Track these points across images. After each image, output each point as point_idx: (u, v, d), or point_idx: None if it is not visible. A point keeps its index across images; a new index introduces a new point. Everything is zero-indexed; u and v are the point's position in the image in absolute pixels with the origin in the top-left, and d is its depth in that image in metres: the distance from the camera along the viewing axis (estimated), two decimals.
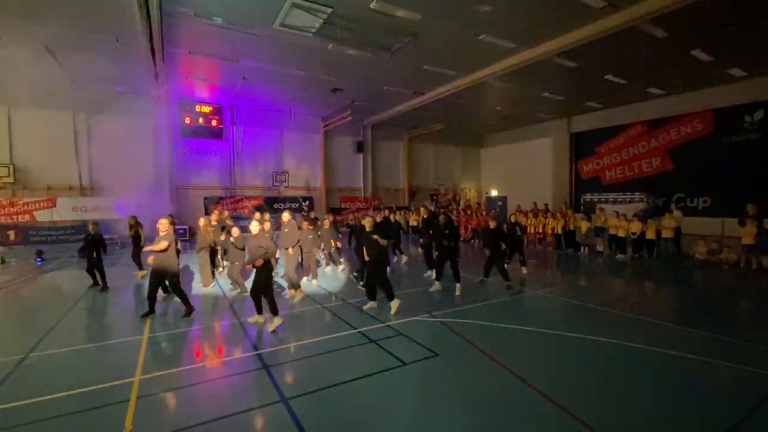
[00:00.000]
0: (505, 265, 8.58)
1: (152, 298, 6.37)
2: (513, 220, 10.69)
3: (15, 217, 14.37)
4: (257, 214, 8.45)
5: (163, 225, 6.38)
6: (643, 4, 8.62)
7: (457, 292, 7.68)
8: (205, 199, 17.52)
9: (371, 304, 6.76)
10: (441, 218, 8.47)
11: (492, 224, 8.82)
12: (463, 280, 7.91)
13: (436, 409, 3.56)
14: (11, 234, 14.16)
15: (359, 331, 5.60)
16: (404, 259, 11.51)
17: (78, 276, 10.28)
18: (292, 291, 7.56)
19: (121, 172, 15.56)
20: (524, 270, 9.82)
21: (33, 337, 5.48)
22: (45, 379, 4.25)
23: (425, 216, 10.99)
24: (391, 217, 12.63)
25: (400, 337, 5.34)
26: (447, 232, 7.98)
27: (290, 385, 4.01)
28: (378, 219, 8.69)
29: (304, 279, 8.63)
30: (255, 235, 6.06)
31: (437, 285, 8.02)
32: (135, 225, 9.73)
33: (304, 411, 3.49)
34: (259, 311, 6.04)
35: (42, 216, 14.72)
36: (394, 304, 6.48)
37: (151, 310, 6.37)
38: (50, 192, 14.93)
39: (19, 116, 14.44)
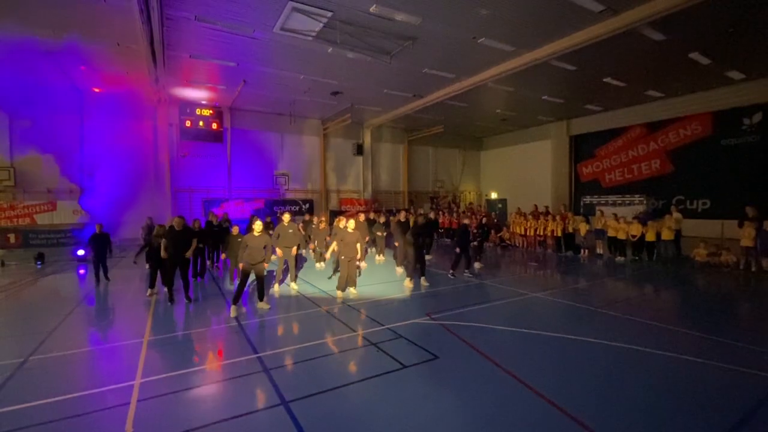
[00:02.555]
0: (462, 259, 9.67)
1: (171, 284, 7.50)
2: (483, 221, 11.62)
3: (15, 220, 14.39)
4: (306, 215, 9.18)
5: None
6: (642, 7, 8.67)
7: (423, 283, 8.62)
8: (204, 201, 17.54)
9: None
10: (419, 219, 9.48)
11: (466, 221, 10.10)
12: (458, 283, 7.94)
13: (436, 412, 3.57)
14: (11, 237, 14.18)
15: (359, 334, 5.61)
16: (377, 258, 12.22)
17: (78, 279, 10.30)
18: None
19: (121, 175, 15.63)
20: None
21: (33, 340, 5.49)
22: (45, 382, 4.25)
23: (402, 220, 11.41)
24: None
25: (400, 340, 5.34)
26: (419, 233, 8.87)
27: (290, 388, 4.01)
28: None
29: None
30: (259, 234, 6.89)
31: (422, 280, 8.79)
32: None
33: (304, 414, 3.50)
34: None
35: (42, 219, 14.74)
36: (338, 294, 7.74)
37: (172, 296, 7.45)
38: (50, 195, 14.95)
39: (20, 119, 14.46)
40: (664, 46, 10.69)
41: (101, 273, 9.29)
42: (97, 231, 9.25)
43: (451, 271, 9.55)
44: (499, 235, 16.27)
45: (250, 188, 18.92)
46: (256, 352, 4.96)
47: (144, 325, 6.11)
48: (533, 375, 4.21)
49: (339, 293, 7.68)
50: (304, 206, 19.59)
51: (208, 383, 4.22)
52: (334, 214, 18.69)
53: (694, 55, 11.55)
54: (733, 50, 11.24)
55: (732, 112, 14.82)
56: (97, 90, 14.61)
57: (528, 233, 15.15)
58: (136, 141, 16.06)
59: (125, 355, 5.00)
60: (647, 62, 12.16)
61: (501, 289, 8.45)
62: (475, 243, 10.82)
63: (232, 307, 6.61)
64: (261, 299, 6.96)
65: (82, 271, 11.13)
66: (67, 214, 15.07)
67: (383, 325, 5.95)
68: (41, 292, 8.83)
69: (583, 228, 13.38)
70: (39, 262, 12.02)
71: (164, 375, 4.34)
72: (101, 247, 9.17)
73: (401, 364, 4.54)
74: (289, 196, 19.81)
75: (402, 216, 11.40)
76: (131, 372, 4.38)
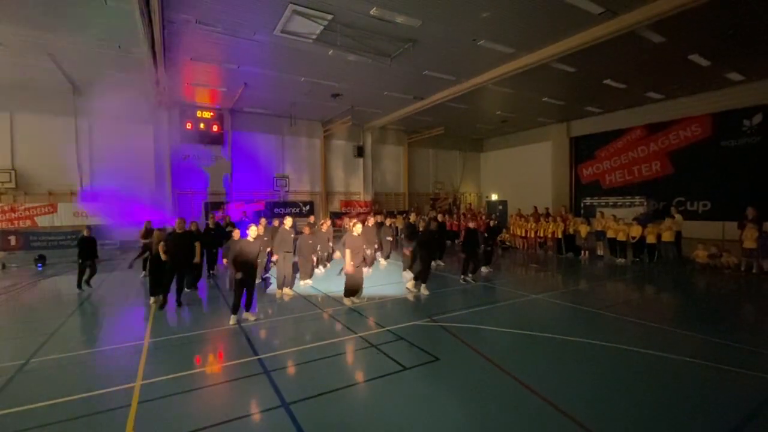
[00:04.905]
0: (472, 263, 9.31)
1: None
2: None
3: (16, 222, 14.38)
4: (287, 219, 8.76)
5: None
6: (641, 9, 8.68)
7: (423, 291, 8.11)
8: (205, 203, 17.55)
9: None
10: (433, 224, 9.17)
11: (471, 225, 9.76)
12: (458, 285, 7.92)
13: (437, 414, 3.56)
14: (12, 239, 14.19)
15: (360, 336, 5.61)
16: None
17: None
18: (280, 291, 8.23)
19: (121, 177, 15.65)
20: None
21: (34, 342, 5.49)
22: (46, 384, 4.25)
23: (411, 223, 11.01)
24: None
25: (401, 342, 5.34)
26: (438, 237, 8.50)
27: (291, 390, 4.01)
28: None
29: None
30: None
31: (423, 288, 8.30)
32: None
33: (304, 416, 3.50)
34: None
35: (43, 221, 14.75)
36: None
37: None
38: (51, 197, 14.97)
39: (21, 122, 14.51)
40: (663, 48, 10.70)
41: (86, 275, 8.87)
42: (86, 234, 8.85)
43: (462, 277, 9.15)
44: (499, 237, 16.26)
45: (251, 190, 18.94)
46: (257, 354, 4.96)
47: (144, 328, 6.11)
48: (534, 377, 4.21)
49: (347, 300, 7.40)
50: (304, 208, 19.62)
51: (209, 385, 4.22)
52: (335, 216, 18.79)
53: (694, 57, 11.56)
54: (732, 52, 11.25)
55: (732, 114, 14.82)
56: (99, 92, 14.64)
57: (528, 235, 15.15)
58: (137, 143, 16.07)
59: (126, 357, 5.00)
60: (647, 64, 12.17)
61: (502, 291, 8.44)
62: (488, 248, 10.63)
63: (232, 317, 6.26)
64: (247, 309, 6.46)
65: None
66: (67, 216, 15.07)
67: (384, 327, 5.95)
68: (42, 295, 8.84)
69: (584, 229, 13.38)
70: (40, 265, 12.03)
71: (165, 377, 4.34)
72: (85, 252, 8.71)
73: (402, 366, 4.54)
74: (290, 198, 19.83)
75: (412, 218, 11.04)
76: (132, 374, 4.38)
